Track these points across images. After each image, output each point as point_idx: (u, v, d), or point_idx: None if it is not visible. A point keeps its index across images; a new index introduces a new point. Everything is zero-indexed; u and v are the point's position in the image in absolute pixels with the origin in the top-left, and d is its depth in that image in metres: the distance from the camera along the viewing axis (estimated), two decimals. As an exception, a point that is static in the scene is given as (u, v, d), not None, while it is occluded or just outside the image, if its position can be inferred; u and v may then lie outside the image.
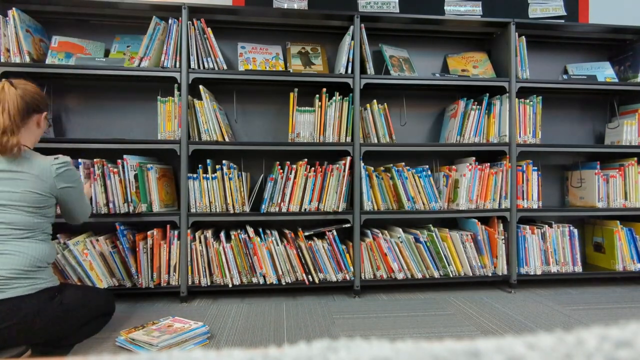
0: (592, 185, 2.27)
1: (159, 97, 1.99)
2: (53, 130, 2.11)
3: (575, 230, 2.20)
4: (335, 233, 2.03)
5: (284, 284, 1.99)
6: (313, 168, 2.03)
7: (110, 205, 1.88)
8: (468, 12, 2.48)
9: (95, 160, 1.88)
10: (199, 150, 2.05)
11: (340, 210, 2.04)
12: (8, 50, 1.90)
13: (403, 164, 2.12)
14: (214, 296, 2.05)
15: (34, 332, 1.25)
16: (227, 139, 2.00)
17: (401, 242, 2.06)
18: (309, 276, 2.01)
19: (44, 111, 1.43)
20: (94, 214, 1.87)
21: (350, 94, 2.07)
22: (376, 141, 2.13)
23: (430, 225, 2.15)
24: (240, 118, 2.30)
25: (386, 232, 2.12)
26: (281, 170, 2.01)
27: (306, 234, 2.03)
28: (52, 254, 1.37)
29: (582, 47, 2.55)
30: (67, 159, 1.42)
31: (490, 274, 2.12)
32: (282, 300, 2.00)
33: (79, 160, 1.88)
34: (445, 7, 2.47)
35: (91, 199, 1.87)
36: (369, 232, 2.15)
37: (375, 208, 2.09)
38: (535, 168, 2.18)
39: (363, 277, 2.06)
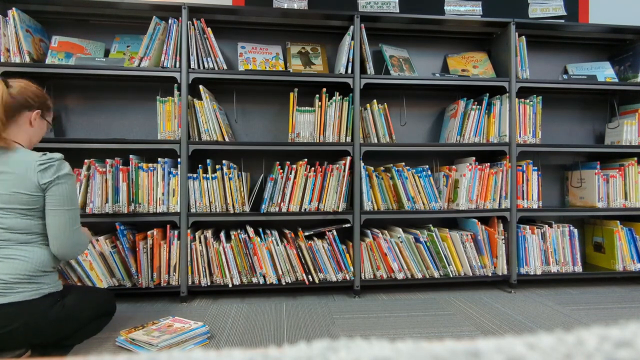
0: (592, 185, 2.27)
1: (158, 97, 1.99)
2: (53, 130, 2.11)
3: (575, 230, 2.20)
4: (335, 233, 2.03)
5: (284, 283, 1.99)
6: (313, 168, 2.03)
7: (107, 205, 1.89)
8: (468, 12, 2.48)
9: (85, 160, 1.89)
10: (199, 150, 2.05)
11: (340, 210, 2.04)
12: (8, 50, 1.90)
13: (403, 164, 2.12)
14: (214, 296, 2.05)
15: (35, 336, 1.26)
16: (227, 139, 2.00)
17: (401, 242, 2.06)
18: (309, 276, 2.01)
19: (36, 109, 1.37)
20: (94, 214, 1.87)
21: (350, 94, 2.07)
22: (376, 141, 2.13)
23: (430, 225, 2.15)
24: (240, 118, 2.30)
25: (386, 232, 2.12)
26: (281, 170, 2.01)
27: (306, 234, 2.03)
28: (56, 258, 1.34)
29: (582, 47, 2.55)
30: (57, 155, 1.32)
31: (490, 274, 2.12)
32: (282, 300, 2.00)
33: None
34: (445, 7, 2.47)
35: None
36: (369, 232, 2.15)
37: (375, 208, 2.09)
38: (535, 168, 2.18)
39: (363, 277, 2.06)
